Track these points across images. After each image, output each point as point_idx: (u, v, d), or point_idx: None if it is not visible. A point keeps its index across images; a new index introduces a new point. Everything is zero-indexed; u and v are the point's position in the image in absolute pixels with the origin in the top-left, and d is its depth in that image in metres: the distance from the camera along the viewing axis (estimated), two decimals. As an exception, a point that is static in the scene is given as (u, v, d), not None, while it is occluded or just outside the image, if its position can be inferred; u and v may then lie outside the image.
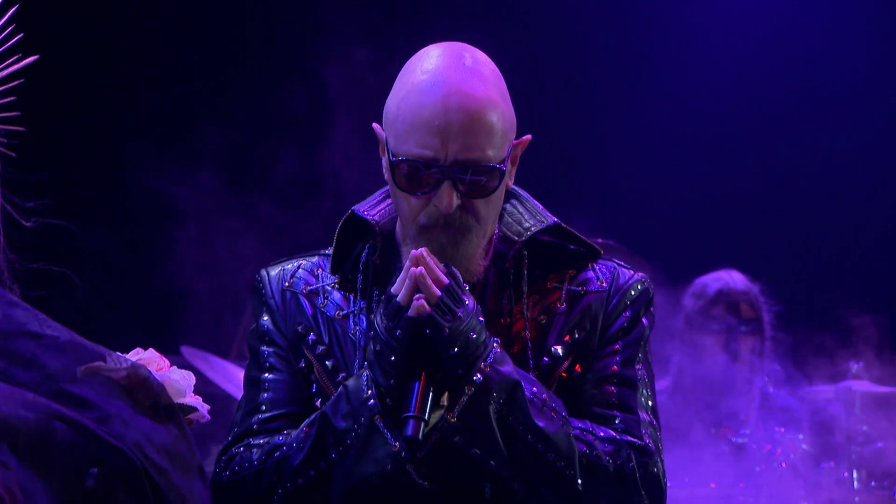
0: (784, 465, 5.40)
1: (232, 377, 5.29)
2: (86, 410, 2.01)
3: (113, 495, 1.97)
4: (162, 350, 2.38)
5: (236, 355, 5.93)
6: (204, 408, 2.33)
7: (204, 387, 5.40)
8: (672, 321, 5.77)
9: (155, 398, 2.10)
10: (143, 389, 2.09)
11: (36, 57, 2.40)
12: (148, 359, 2.32)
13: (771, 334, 5.76)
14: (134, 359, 2.25)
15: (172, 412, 2.12)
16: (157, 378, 2.16)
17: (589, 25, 6.80)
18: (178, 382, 2.29)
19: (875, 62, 6.71)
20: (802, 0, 6.81)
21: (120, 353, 2.18)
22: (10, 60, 2.40)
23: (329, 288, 2.67)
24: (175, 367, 2.33)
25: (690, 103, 6.77)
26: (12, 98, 2.39)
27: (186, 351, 5.37)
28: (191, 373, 2.34)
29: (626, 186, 6.72)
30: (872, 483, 5.42)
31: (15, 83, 2.39)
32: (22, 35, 2.38)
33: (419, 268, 2.44)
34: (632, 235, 5.90)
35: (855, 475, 5.41)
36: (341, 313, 2.64)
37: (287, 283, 2.69)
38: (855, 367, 5.64)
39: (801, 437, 5.55)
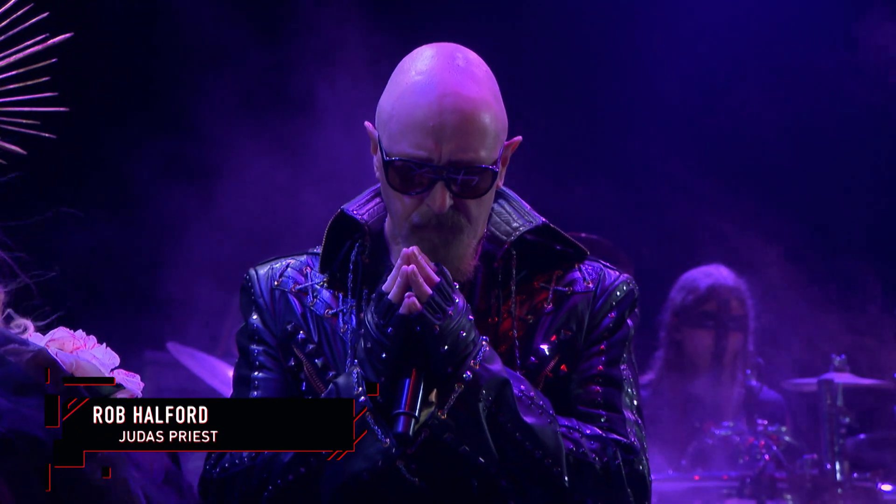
0: (767, 457, 5.42)
1: (218, 373, 5.29)
2: None
3: None
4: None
5: (223, 351, 5.92)
6: (134, 384, 2.24)
7: (191, 382, 5.41)
8: (659, 315, 5.80)
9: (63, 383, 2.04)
10: (50, 374, 2.04)
11: (69, 35, 2.32)
12: (60, 339, 2.22)
13: (755, 328, 5.79)
14: (46, 340, 2.19)
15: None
16: (70, 359, 2.10)
17: (579, 24, 6.80)
18: (90, 362, 2.19)
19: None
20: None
21: (32, 335, 2.12)
22: (38, 38, 2.33)
23: (318, 286, 2.68)
24: (98, 346, 2.23)
25: (681, 102, 6.79)
26: (46, 78, 2.32)
27: (173, 347, 5.36)
28: (111, 350, 2.23)
29: (617, 182, 6.73)
30: (855, 475, 5.45)
31: (47, 62, 2.31)
32: (47, 13, 2.29)
33: (411, 266, 2.46)
34: (620, 230, 5.91)
35: (838, 467, 5.44)
36: (331, 312, 2.65)
37: (276, 282, 2.70)
38: (837, 359, 5.66)
39: (783, 429, 5.58)
